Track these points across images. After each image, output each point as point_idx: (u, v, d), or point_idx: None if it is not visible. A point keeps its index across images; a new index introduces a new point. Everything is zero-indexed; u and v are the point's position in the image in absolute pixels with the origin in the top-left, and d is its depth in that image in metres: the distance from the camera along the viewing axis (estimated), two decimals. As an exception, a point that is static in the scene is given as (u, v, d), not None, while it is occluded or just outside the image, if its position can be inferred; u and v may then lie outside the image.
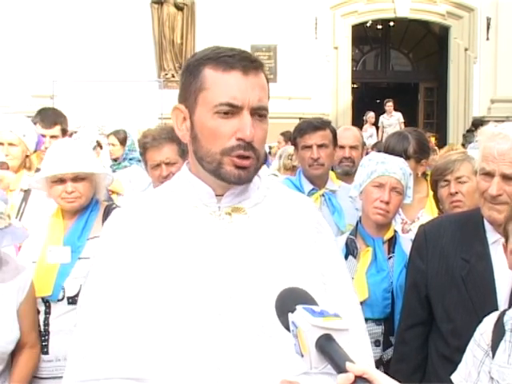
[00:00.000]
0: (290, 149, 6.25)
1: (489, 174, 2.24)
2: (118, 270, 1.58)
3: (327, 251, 1.66)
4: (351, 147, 4.01)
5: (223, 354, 1.50)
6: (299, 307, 1.26)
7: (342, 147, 3.96)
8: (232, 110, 1.53)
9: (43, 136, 4.06)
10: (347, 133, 4.14)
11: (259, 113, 1.56)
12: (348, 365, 1.16)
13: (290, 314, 1.27)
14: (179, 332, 1.50)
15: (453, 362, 2.30)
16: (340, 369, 1.17)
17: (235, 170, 1.54)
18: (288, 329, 1.28)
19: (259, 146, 1.56)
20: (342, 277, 1.67)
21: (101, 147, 7.59)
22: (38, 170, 4.21)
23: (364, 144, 4.28)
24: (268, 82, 1.62)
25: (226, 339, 1.50)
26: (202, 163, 1.58)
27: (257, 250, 1.57)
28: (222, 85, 1.53)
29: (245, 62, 1.55)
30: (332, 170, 3.99)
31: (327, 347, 1.20)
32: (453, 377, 2.13)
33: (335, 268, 1.66)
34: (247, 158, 1.54)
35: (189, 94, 1.58)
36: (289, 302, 1.31)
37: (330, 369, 1.21)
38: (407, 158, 3.39)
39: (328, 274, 1.62)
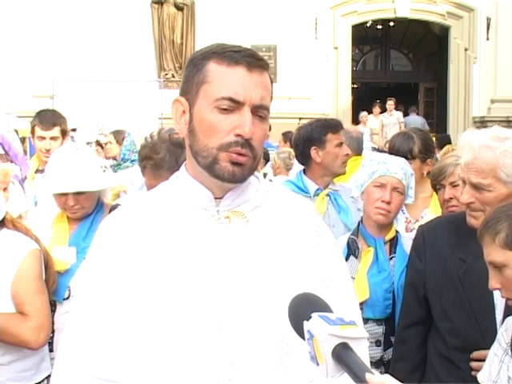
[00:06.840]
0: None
1: (463, 182, 2.30)
2: (111, 274, 1.55)
3: (328, 255, 1.64)
4: None
5: (222, 362, 1.48)
6: (315, 315, 1.21)
7: None
8: (232, 106, 1.49)
9: (43, 138, 4.06)
10: None
11: (260, 112, 1.52)
12: (368, 376, 1.13)
13: (305, 322, 1.22)
14: (176, 339, 1.48)
15: (451, 361, 2.34)
16: (359, 379, 1.13)
17: (230, 166, 1.50)
18: (302, 336, 1.24)
19: (257, 146, 1.52)
20: (342, 281, 1.64)
21: (101, 147, 7.60)
22: (38, 170, 4.21)
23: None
24: (272, 85, 1.58)
25: (225, 347, 1.48)
26: (197, 158, 1.54)
27: (256, 255, 1.54)
28: (225, 79, 1.50)
29: (250, 59, 1.52)
30: None
31: (344, 356, 1.16)
32: (478, 375, 2.10)
33: (336, 272, 1.63)
34: (243, 155, 1.50)
35: (191, 87, 1.54)
36: (303, 308, 1.26)
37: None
38: (412, 157, 3.40)
39: (328, 278, 1.60)
